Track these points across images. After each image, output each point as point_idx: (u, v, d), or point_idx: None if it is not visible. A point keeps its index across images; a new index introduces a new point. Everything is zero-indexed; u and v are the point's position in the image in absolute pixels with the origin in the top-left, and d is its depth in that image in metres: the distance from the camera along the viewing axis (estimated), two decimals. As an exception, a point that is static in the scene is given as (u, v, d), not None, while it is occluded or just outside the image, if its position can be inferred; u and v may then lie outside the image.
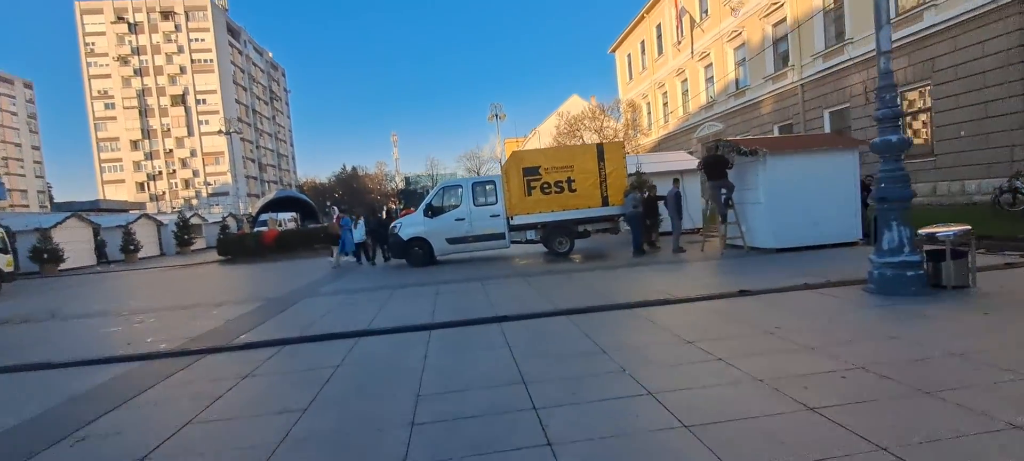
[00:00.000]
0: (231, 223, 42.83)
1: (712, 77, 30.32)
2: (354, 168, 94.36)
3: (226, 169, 67.97)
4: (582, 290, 8.35)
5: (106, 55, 71.06)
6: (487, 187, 13.63)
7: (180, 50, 73.04)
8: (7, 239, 16.29)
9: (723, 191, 11.27)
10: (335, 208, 16.01)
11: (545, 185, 13.19)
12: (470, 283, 9.81)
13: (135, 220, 32.10)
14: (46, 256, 23.95)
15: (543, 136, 64.04)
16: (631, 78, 44.71)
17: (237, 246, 21.94)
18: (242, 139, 78.08)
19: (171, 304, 10.43)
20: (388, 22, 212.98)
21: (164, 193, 72.44)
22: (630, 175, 13.94)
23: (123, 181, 72.52)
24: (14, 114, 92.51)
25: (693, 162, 17.92)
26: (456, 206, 13.45)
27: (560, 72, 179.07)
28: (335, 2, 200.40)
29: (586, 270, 10.66)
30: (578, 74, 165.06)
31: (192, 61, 73.27)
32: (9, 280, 16.41)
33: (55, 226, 25.42)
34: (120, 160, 73.01)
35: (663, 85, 37.52)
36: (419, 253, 13.34)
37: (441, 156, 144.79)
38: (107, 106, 72.43)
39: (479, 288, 9.12)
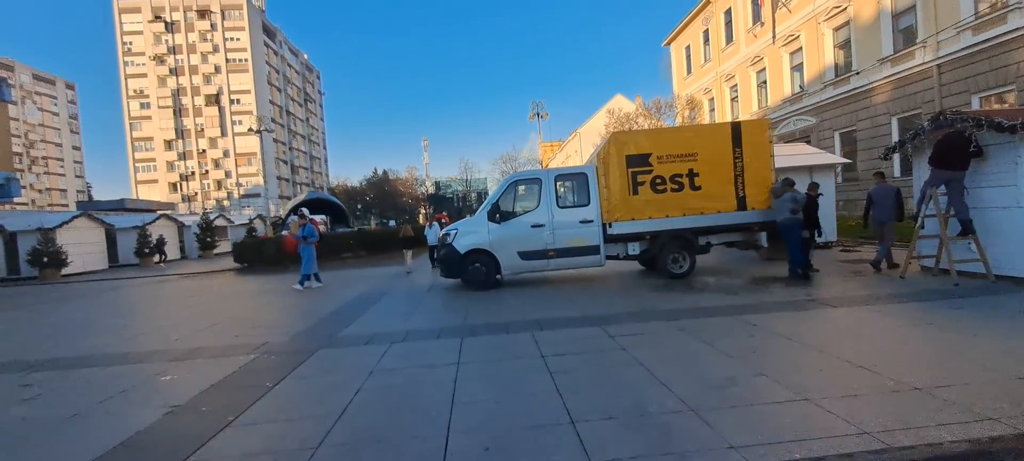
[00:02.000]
0: (259, 226, 40.53)
1: (801, 64, 25.96)
2: (385, 172, 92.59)
3: (258, 170, 66.44)
4: (797, 358, 4.55)
5: (142, 54, 70.72)
6: (575, 182, 9.96)
7: (215, 49, 72.19)
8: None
9: (956, 188, 7.30)
10: (297, 214, 15.24)
11: (658, 180, 9.44)
12: (588, 331, 6.09)
13: (153, 221, 29.70)
14: (46, 260, 21.42)
15: (585, 139, 60.06)
16: (689, 72, 40.47)
17: (254, 253, 18.88)
18: (275, 140, 76.80)
19: (104, 349, 7.04)
20: (423, 26, 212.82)
21: (196, 194, 71.46)
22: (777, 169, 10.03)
23: (156, 181, 71.89)
24: (56, 114, 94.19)
25: (824, 157, 13.84)
26: (531, 208, 9.80)
27: (599, 74, 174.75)
28: (371, 5, 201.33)
29: (750, 308, 6.81)
30: (620, 74, 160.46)
31: (227, 61, 72.32)
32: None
33: (60, 226, 22.96)
34: (154, 160, 72.46)
35: (731, 77, 33.25)
36: (480, 271, 9.74)
37: (475, 158, 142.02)
38: (143, 106, 72.06)
39: (612, 345, 5.39)
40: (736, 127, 9.57)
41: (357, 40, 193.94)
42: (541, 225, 9.67)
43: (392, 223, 62.07)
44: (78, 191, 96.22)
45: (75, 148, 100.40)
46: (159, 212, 31.90)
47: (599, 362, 4.80)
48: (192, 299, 11.93)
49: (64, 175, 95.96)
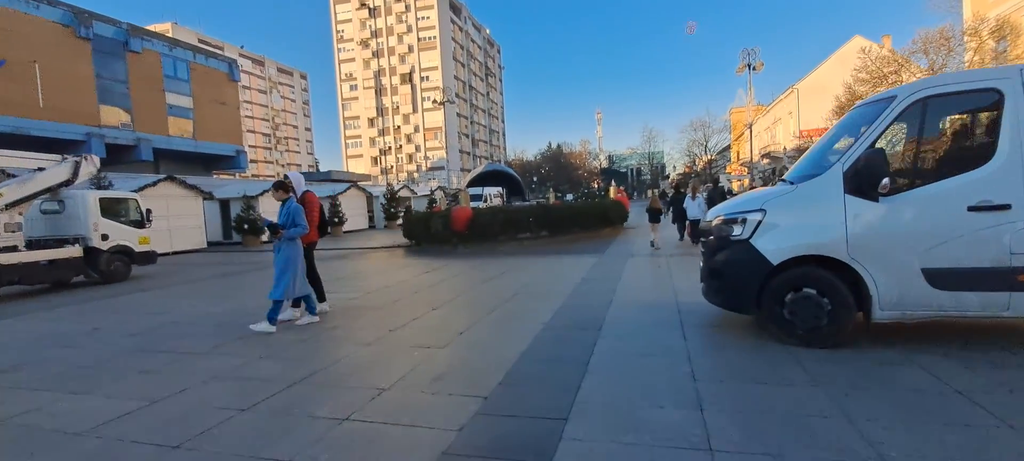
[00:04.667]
0: (440, 197, 40.33)
1: None
2: (559, 145, 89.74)
3: (442, 144, 68.79)
4: None
5: (352, 40, 78.28)
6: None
7: (409, 30, 76.43)
8: (141, 210, 12.48)
9: None
10: (285, 177, 6.53)
11: None
12: None
13: (343, 191, 30.13)
14: (247, 227, 21.95)
15: (807, 97, 47.71)
16: (1005, -16, 27.42)
17: (422, 229, 16.10)
18: (458, 115, 79.10)
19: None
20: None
21: (392, 167, 77.46)
22: None
23: (361, 156, 79.87)
24: (293, 101, 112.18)
25: None
26: (968, 168, 4.00)
27: (818, 21, 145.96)
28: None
29: None
30: (848, 16, 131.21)
31: (418, 39, 76.05)
32: (150, 261, 12.77)
33: (261, 195, 23.62)
34: (360, 137, 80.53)
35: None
36: (818, 309, 4.30)
37: (661, 127, 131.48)
38: (351, 88, 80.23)
39: None
40: None
41: (536, 12, 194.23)
42: (1000, 206, 3.83)
43: (570, 197, 58.55)
44: (309, 166, 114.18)
45: (307, 129, 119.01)
46: (350, 183, 32.52)
47: None
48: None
49: (299, 153, 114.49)
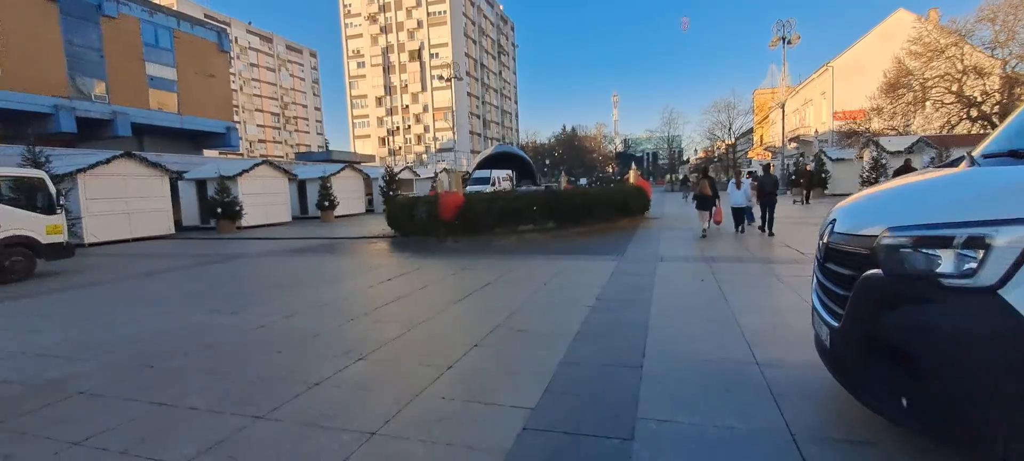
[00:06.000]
0: (444, 179, 37.73)
1: None
2: (573, 128, 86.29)
3: (451, 124, 65.99)
4: None
5: (359, 15, 75.33)
6: None
7: (418, 3, 73.18)
8: (50, 192, 10.06)
9: None
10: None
11: None
12: None
13: (337, 172, 27.67)
14: (220, 211, 19.60)
15: (842, 76, 43.82)
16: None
17: (407, 218, 13.54)
18: (468, 94, 76.07)
19: None
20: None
21: (400, 148, 74.98)
22: None
23: (369, 136, 77.44)
24: (302, 79, 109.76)
25: None
26: None
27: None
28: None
29: None
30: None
31: (428, 13, 72.81)
32: (63, 255, 10.36)
33: (242, 174, 21.25)
34: (367, 116, 78.01)
35: None
36: None
37: (682, 108, 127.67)
38: (359, 65, 77.49)
39: None
40: None
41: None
42: None
43: (583, 181, 55.33)
44: (318, 147, 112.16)
45: (317, 109, 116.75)
46: (344, 164, 30.06)
47: None
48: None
49: (309, 132, 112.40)
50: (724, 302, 5.82)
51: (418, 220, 12.85)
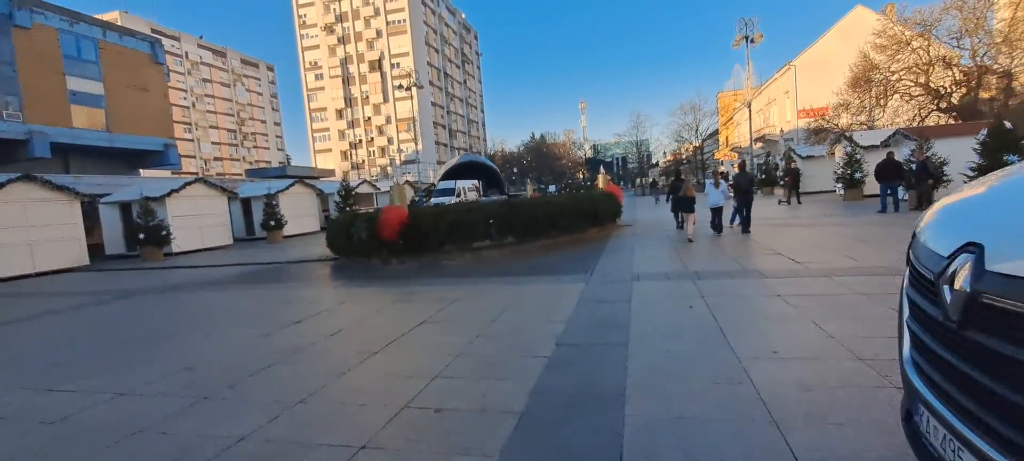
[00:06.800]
0: (407, 193, 35.93)
1: None
2: (542, 136, 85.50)
3: (415, 136, 64.02)
4: None
5: (315, 26, 72.79)
6: None
7: (376, 13, 71.19)
8: None
9: None
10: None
11: None
12: None
13: (284, 188, 25.54)
14: (144, 236, 17.36)
15: (805, 74, 44.08)
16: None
17: (345, 239, 11.76)
18: (432, 104, 74.27)
19: None
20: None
21: (363, 161, 72.51)
22: None
23: (330, 150, 74.69)
24: (260, 94, 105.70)
25: None
26: None
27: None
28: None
29: None
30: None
31: (387, 22, 70.89)
32: None
33: (170, 194, 19.01)
34: (328, 129, 75.30)
35: None
36: None
37: (649, 111, 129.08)
38: (317, 77, 74.84)
39: None
40: None
41: None
42: None
43: (553, 189, 54.11)
44: (279, 163, 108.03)
45: (276, 124, 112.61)
46: (294, 179, 27.92)
47: None
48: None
49: (268, 149, 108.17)
50: (724, 342, 4.35)
51: (356, 240, 11.09)
